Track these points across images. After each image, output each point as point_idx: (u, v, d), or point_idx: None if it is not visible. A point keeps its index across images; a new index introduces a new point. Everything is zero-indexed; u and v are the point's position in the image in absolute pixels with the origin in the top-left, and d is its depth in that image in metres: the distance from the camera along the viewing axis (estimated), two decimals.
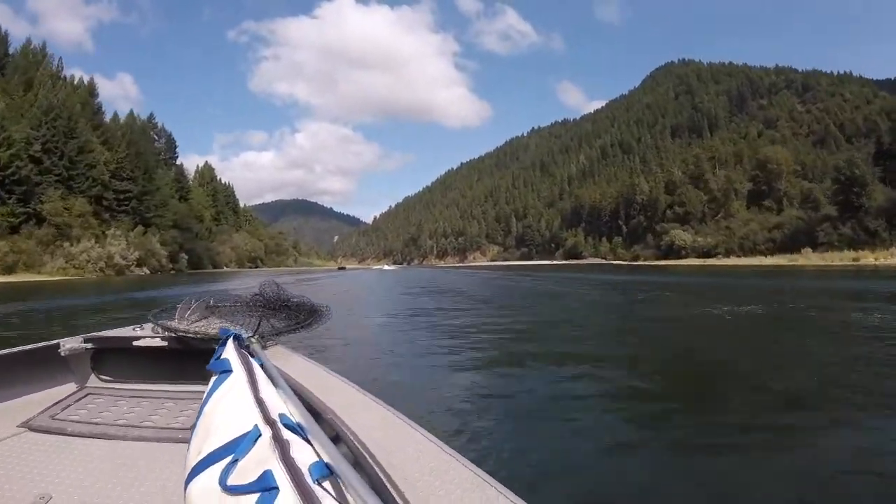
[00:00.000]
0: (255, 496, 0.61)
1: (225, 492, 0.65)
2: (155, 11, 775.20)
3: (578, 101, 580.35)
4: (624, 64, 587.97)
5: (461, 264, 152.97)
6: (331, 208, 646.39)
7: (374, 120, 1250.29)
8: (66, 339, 2.01)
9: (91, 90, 77.12)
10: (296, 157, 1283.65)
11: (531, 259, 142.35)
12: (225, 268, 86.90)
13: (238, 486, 0.65)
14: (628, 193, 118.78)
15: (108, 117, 78.99)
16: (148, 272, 58.90)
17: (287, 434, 0.76)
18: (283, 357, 1.72)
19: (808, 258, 56.53)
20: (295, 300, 2.09)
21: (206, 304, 2.28)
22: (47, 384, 1.94)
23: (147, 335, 2.04)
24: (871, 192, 63.20)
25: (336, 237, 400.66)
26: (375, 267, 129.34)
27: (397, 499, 0.74)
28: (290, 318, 2.02)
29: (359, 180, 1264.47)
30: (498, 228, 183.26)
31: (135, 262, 58.27)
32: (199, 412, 0.96)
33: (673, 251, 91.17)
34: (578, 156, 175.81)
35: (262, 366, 1.16)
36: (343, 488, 0.64)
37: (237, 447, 0.73)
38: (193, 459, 0.79)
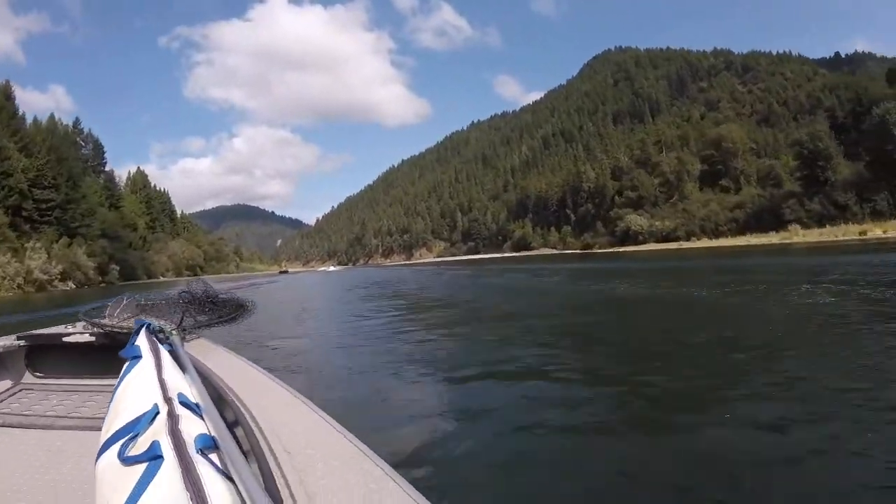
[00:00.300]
0: (145, 465, 0.65)
1: (122, 463, 0.70)
2: (86, 20, 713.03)
3: (516, 93, 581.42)
4: (561, 56, 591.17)
5: (408, 262, 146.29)
6: (272, 212, 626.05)
7: (310, 121, 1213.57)
8: (0, 337, 2.10)
9: (7, 93, 66.58)
10: (234, 162, 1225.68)
11: (478, 253, 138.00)
12: (161, 277, 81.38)
13: (131, 456, 0.70)
14: (574, 181, 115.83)
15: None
16: (74, 286, 53.30)
17: (180, 410, 0.81)
18: (204, 348, 1.81)
19: (804, 235, 52.76)
20: (222, 296, 2.27)
21: (137, 302, 2.39)
22: None
23: (78, 332, 2.12)
24: (836, 166, 61.40)
25: (279, 241, 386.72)
26: (320, 269, 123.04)
27: (274, 469, 0.78)
28: (214, 312, 2.17)
29: (298, 183, 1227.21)
30: (443, 224, 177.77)
31: (58, 277, 52.86)
32: (112, 396, 0.99)
33: (630, 237, 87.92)
34: (520, 147, 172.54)
35: (171, 352, 1.21)
36: (224, 459, 0.68)
37: (137, 424, 0.77)
38: (103, 439, 0.82)
